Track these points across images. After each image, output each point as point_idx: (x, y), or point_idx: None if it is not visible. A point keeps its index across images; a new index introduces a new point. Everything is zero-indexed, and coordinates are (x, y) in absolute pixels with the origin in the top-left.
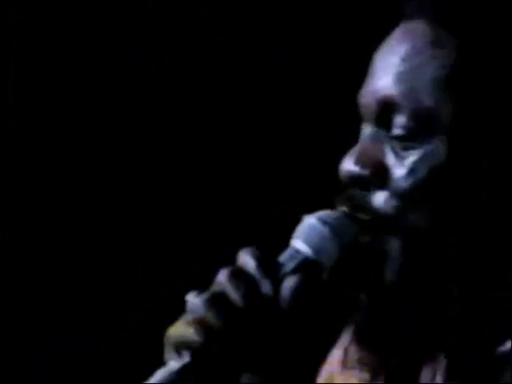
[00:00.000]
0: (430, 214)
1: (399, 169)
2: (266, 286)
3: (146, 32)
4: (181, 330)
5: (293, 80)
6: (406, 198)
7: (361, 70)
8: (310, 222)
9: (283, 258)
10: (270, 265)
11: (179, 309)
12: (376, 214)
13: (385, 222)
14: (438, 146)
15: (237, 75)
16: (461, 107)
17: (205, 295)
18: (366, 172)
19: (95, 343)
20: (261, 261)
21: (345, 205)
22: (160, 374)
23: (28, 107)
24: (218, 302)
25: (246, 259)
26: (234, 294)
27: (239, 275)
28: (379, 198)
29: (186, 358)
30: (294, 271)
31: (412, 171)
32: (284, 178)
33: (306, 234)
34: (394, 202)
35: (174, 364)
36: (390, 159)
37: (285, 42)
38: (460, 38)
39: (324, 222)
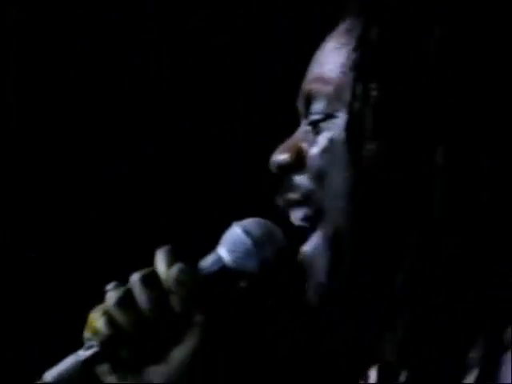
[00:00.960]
0: (348, 195)
1: (312, 150)
2: (173, 300)
3: (146, 32)
4: (95, 317)
5: (293, 80)
6: (319, 175)
7: None
8: (235, 231)
9: (205, 262)
10: (184, 270)
11: None
12: (300, 193)
13: (309, 204)
14: (342, 124)
15: (237, 75)
16: (357, 85)
17: (118, 291)
18: (287, 158)
19: None
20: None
21: (278, 194)
22: (68, 361)
23: (28, 107)
24: (126, 302)
25: (160, 263)
26: (141, 300)
27: (149, 281)
28: (300, 179)
29: (95, 347)
30: (211, 276)
31: (322, 150)
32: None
33: (230, 243)
34: (311, 181)
35: (82, 353)
36: (307, 144)
37: (285, 42)
38: (363, 24)
39: (248, 233)
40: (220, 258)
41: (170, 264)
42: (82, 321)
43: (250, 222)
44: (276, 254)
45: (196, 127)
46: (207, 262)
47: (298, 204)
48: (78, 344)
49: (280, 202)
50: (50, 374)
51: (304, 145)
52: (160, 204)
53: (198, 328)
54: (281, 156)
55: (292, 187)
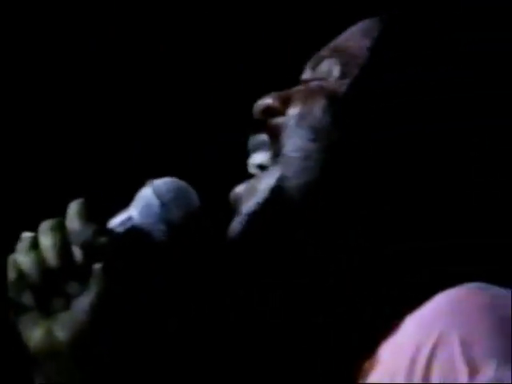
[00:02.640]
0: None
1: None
2: (77, 251)
3: (146, 32)
4: (17, 259)
5: (292, 79)
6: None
7: None
8: (146, 190)
9: (116, 220)
10: (93, 228)
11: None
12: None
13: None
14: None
15: (237, 75)
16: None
17: (27, 239)
18: (271, 102)
19: None
20: (84, 226)
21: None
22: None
23: (28, 107)
24: (31, 248)
25: (70, 215)
26: (45, 247)
27: (55, 230)
28: (280, 120)
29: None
30: (121, 236)
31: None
32: None
33: (140, 203)
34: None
35: None
36: (298, 97)
37: (282, 42)
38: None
39: (158, 193)
40: (130, 218)
41: (79, 218)
42: None
43: (162, 183)
44: (184, 217)
45: (195, 126)
46: (118, 220)
47: (262, 147)
48: None
49: (249, 143)
50: None
51: (294, 95)
52: None
53: (97, 279)
54: (266, 100)
55: (265, 131)
